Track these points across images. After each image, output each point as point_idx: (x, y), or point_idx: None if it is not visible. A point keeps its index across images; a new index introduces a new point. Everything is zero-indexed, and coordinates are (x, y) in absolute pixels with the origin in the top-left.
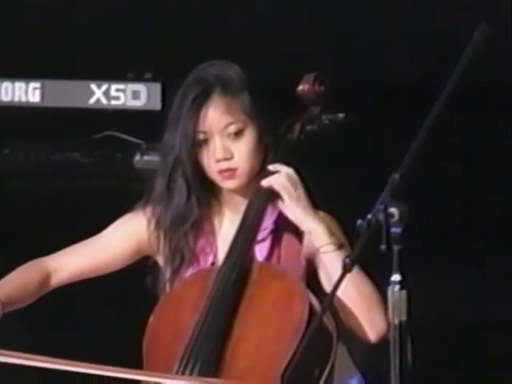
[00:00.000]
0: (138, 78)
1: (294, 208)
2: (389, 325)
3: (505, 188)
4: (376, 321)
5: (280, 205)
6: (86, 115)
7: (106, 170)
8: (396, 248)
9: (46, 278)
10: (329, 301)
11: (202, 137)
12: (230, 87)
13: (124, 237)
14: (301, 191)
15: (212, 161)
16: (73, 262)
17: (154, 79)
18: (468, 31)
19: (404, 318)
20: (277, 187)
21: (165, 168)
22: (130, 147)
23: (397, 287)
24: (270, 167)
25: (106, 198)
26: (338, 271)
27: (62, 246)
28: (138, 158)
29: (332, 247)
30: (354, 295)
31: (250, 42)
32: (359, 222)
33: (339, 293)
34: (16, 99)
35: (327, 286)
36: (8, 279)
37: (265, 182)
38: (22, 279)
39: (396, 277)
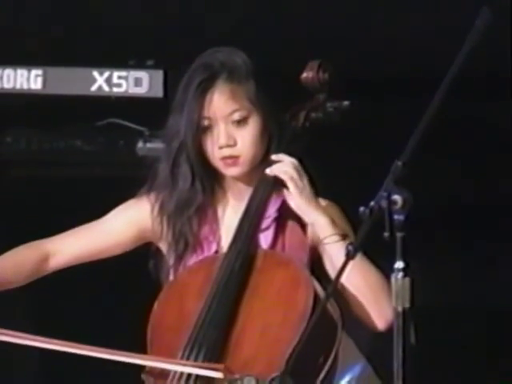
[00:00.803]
0: (140, 65)
1: (298, 198)
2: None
3: (508, 176)
4: (384, 309)
5: (284, 194)
6: (88, 102)
7: (109, 158)
8: (399, 235)
9: (44, 261)
10: (332, 288)
11: (206, 123)
12: (236, 74)
13: (126, 223)
14: (305, 181)
15: (215, 147)
16: (72, 246)
17: (156, 66)
18: (471, 18)
19: (407, 305)
20: (282, 176)
21: (169, 153)
22: (133, 134)
23: (400, 274)
24: (274, 157)
25: (109, 186)
26: (343, 261)
27: None
28: (140, 145)
29: (336, 238)
30: (361, 284)
31: (251, 28)
32: (362, 209)
33: (346, 282)
34: (18, 86)
35: (333, 276)
36: (1, 259)
37: (269, 171)
38: (17, 260)
39: (399, 264)
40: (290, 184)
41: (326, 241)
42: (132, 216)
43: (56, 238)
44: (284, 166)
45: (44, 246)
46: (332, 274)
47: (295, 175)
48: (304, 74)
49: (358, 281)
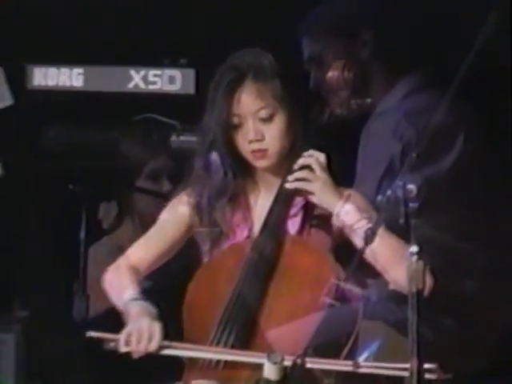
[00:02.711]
0: (173, 64)
1: (320, 198)
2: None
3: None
4: None
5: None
6: (126, 99)
7: (145, 150)
8: (413, 221)
9: (137, 273)
10: (352, 270)
11: (236, 120)
12: (262, 74)
13: (176, 226)
14: (324, 175)
15: (245, 142)
16: (146, 258)
17: (188, 65)
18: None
19: (421, 287)
20: (303, 187)
21: (202, 148)
22: (167, 128)
23: (414, 258)
24: (305, 154)
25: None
26: (379, 241)
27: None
28: (174, 138)
29: (364, 222)
30: (396, 252)
31: (277, 29)
32: (379, 197)
33: (390, 256)
34: (61, 84)
35: (370, 257)
36: (118, 284)
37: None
38: (128, 281)
39: (413, 248)
40: (309, 190)
41: (355, 226)
42: (177, 218)
43: (132, 255)
44: (301, 176)
45: (130, 263)
46: (369, 255)
47: (314, 179)
48: (329, 73)
49: (393, 249)
